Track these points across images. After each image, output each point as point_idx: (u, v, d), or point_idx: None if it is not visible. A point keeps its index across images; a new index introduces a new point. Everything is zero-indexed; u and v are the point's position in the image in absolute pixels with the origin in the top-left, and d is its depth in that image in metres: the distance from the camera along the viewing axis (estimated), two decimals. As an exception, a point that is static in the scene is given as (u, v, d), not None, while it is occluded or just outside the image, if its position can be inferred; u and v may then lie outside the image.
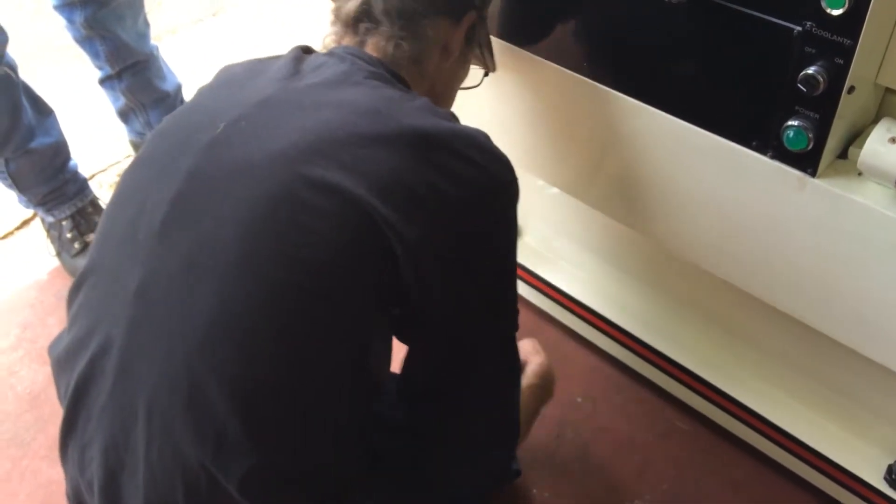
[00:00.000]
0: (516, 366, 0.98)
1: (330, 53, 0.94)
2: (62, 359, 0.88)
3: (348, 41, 0.96)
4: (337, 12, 0.97)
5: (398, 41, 0.94)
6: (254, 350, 0.78)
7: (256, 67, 0.95)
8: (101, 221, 0.93)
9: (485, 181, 0.85)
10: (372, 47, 0.95)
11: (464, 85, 1.10)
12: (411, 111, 0.85)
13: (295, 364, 0.80)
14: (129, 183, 0.92)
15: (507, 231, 0.89)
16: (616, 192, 1.21)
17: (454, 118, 0.89)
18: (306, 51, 0.97)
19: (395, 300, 0.84)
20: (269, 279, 0.78)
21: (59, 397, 0.90)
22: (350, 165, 0.79)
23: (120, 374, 0.81)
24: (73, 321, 0.89)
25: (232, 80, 0.95)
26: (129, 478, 0.80)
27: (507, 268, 0.92)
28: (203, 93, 0.96)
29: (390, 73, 0.93)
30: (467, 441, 0.97)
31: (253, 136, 0.83)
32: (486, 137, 0.87)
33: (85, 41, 1.74)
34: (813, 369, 1.25)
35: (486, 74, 1.13)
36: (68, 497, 0.90)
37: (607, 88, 1.09)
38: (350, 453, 0.86)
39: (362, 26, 0.95)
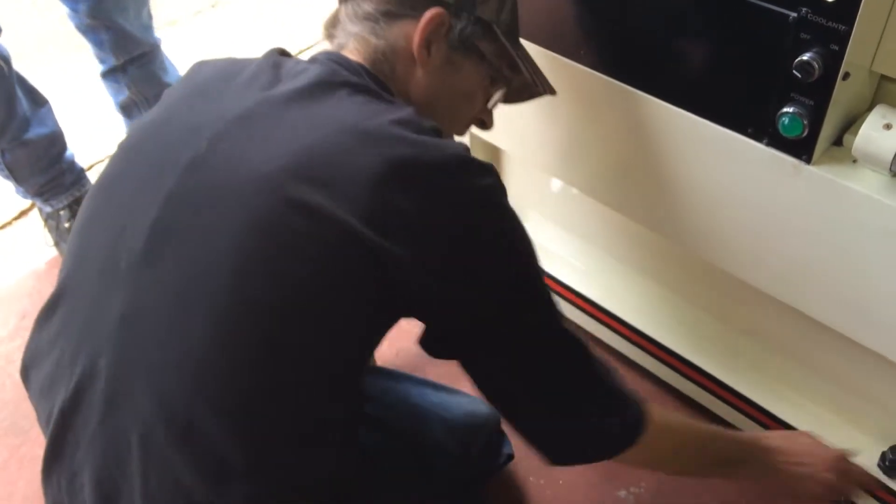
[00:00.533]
0: (576, 343, 0.91)
1: (312, 60, 0.92)
2: (45, 385, 0.86)
3: (332, 42, 0.97)
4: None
5: (366, 37, 0.93)
6: (251, 380, 0.77)
7: (231, 70, 0.92)
8: (73, 238, 0.90)
9: (471, 197, 0.82)
10: (350, 50, 0.94)
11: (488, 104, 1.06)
12: (395, 128, 0.82)
13: (295, 391, 0.79)
14: (104, 201, 0.88)
15: (508, 232, 0.86)
16: (612, 180, 1.22)
17: (437, 132, 0.85)
18: (283, 53, 0.95)
19: (408, 314, 0.85)
20: (262, 308, 0.77)
21: (41, 423, 0.88)
22: (339, 191, 0.77)
23: (109, 405, 0.79)
24: (51, 345, 0.86)
25: (207, 86, 0.92)
26: None
27: (523, 264, 0.88)
28: (175, 100, 0.93)
29: (373, 78, 0.91)
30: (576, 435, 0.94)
31: (237, 157, 0.81)
32: (465, 150, 0.84)
33: (88, 30, 1.74)
34: (807, 357, 1.25)
35: (504, 91, 1.06)
36: None
37: (602, 76, 1.09)
38: (346, 462, 0.87)
39: (336, 31, 0.96)
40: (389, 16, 0.93)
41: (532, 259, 0.88)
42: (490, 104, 1.06)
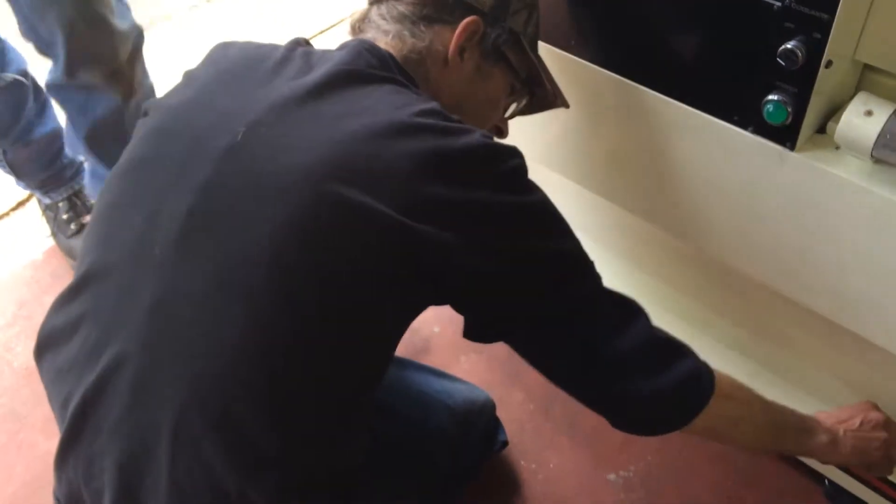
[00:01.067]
0: (626, 302, 0.92)
1: (341, 47, 0.94)
2: (64, 368, 0.86)
3: (361, 34, 0.98)
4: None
5: (402, 34, 0.95)
6: (287, 368, 0.79)
7: (258, 54, 0.93)
8: (98, 220, 0.90)
9: (504, 179, 0.85)
10: (383, 43, 0.95)
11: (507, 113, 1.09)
12: (424, 118, 0.84)
13: (329, 379, 0.81)
14: (133, 184, 0.88)
15: (541, 207, 0.88)
16: (601, 169, 1.24)
17: (461, 122, 0.87)
18: (307, 43, 0.97)
19: (444, 301, 0.87)
20: (300, 299, 0.78)
21: (54, 405, 0.88)
22: (377, 184, 0.79)
23: (138, 392, 0.80)
24: (72, 328, 0.86)
25: (235, 69, 0.92)
26: (150, 493, 0.80)
27: (560, 234, 0.90)
28: (204, 83, 0.92)
29: (400, 70, 0.92)
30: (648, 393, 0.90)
31: (276, 147, 0.82)
32: (490, 136, 0.86)
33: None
34: (797, 344, 1.27)
35: (525, 104, 1.09)
36: (57, 499, 0.89)
37: (591, 65, 1.11)
38: (363, 448, 0.89)
39: (366, 26, 0.98)
40: (427, 19, 0.95)
41: (566, 229, 0.90)
42: (509, 113, 1.10)
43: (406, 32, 0.95)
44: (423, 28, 0.95)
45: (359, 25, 1.00)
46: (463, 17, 0.95)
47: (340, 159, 0.80)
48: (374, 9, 0.99)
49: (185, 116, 0.89)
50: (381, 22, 0.97)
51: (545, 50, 1.15)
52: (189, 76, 0.96)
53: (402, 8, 0.96)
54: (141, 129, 0.92)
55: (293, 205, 0.79)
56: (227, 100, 0.88)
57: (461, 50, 0.96)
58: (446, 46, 0.96)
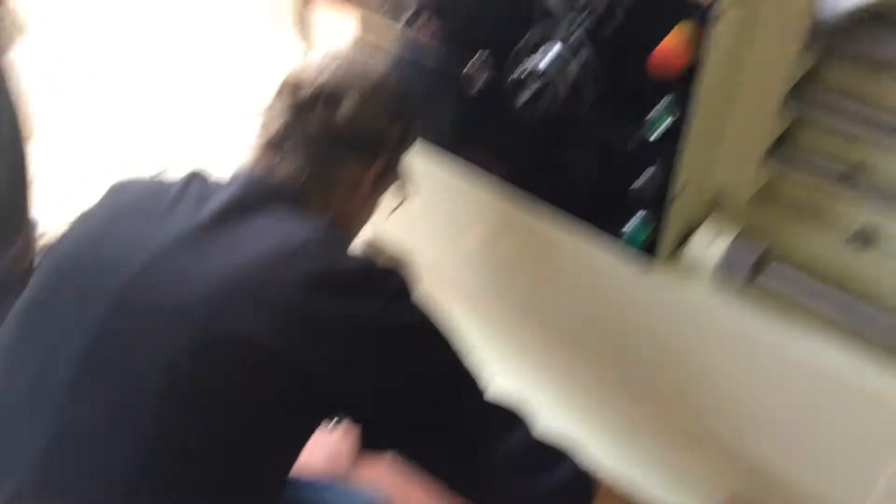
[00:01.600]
0: (507, 412, 0.96)
1: (232, 180, 0.97)
2: None
3: (261, 162, 1.00)
4: (262, 129, 1.02)
5: (310, 173, 0.98)
6: (181, 501, 0.82)
7: (154, 193, 0.95)
8: None
9: (383, 298, 0.89)
10: (283, 173, 0.98)
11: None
12: (309, 247, 0.89)
13: None
14: (31, 327, 0.91)
15: (419, 322, 0.92)
16: (497, 282, 1.30)
17: (346, 246, 0.94)
18: (203, 176, 0.99)
19: (338, 415, 0.90)
20: (190, 436, 0.82)
21: None
22: (262, 314, 0.83)
23: None
24: None
25: (132, 211, 0.95)
26: None
27: (441, 348, 0.93)
28: (99, 225, 0.94)
29: (293, 198, 0.96)
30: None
31: (167, 285, 0.85)
32: (370, 263, 0.91)
33: None
34: (684, 448, 1.33)
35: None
36: None
37: (486, 180, 1.19)
38: None
39: (279, 152, 1.00)
40: (338, 153, 1.00)
41: (451, 343, 0.94)
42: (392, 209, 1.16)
43: (316, 157, 0.99)
44: (333, 157, 1.00)
45: (278, 141, 1.00)
46: (371, 150, 1.02)
47: (228, 294, 0.84)
48: (298, 124, 1.00)
49: (78, 259, 0.92)
50: (298, 143, 0.99)
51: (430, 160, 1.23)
52: (84, 217, 0.98)
53: (321, 130, 0.99)
54: (37, 273, 0.95)
55: (181, 344, 0.82)
56: (119, 244, 0.91)
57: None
58: (353, 177, 1.01)
